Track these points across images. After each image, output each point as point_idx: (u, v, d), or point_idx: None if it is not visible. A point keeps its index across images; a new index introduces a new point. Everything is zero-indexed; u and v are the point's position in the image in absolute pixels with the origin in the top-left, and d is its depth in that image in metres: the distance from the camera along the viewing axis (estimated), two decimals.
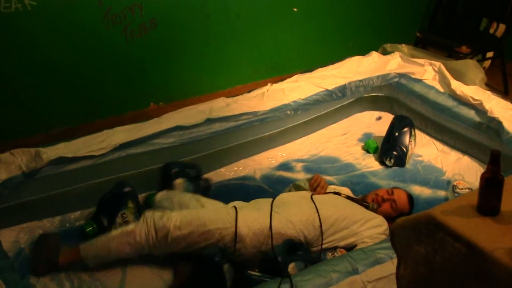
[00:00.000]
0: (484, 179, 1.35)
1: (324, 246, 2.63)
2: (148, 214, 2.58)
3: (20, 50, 3.16)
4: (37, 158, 2.88)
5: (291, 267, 2.38)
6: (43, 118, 3.44)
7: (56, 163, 2.92)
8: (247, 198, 3.17)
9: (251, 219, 2.59)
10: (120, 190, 2.92)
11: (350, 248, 2.66)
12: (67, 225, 3.01)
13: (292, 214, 2.62)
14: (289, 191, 3.10)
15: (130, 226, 2.56)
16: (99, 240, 2.56)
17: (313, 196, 2.79)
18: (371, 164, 3.66)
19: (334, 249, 2.65)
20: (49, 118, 3.45)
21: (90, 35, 3.34)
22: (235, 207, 2.66)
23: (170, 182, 3.05)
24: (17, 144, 3.01)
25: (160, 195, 2.92)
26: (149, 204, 3.08)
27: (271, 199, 2.78)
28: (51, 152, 2.92)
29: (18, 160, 2.85)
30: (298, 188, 3.07)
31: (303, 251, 2.52)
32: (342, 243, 2.66)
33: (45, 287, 2.56)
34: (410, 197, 2.99)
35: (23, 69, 3.23)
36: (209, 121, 3.33)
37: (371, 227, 2.70)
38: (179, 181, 3.05)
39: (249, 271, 2.44)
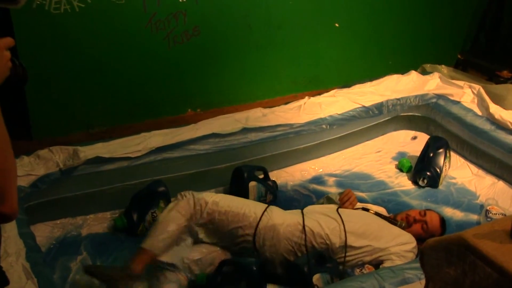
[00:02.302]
0: None
1: (349, 258, 2.63)
2: (186, 192, 2.69)
3: (65, 50, 3.23)
4: (75, 156, 2.94)
5: (316, 278, 2.39)
6: (83, 117, 3.49)
7: (92, 162, 2.97)
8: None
9: (284, 214, 2.72)
10: (154, 189, 2.99)
11: (377, 264, 2.65)
12: (99, 223, 3.07)
13: (321, 220, 2.67)
14: (322, 203, 3.12)
15: (172, 204, 2.65)
16: (155, 230, 2.57)
17: (339, 210, 2.80)
18: (403, 183, 3.64)
19: (362, 265, 2.65)
20: (89, 117, 3.51)
21: (133, 39, 3.39)
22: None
23: (244, 185, 3.15)
24: (57, 141, 3.07)
25: None
26: None
27: (299, 210, 2.81)
28: (88, 151, 2.98)
29: (56, 157, 2.92)
30: (330, 200, 3.08)
31: (331, 264, 2.52)
32: (368, 258, 2.66)
33: (75, 284, 2.62)
34: (443, 220, 2.96)
35: (66, 69, 3.29)
36: (245, 130, 3.36)
37: (399, 244, 2.69)
38: (252, 184, 3.17)
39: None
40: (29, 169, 2.82)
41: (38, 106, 3.31)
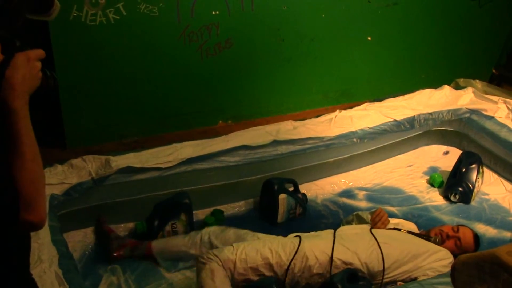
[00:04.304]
0: None
1: (387, 280, 2.60)
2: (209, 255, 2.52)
3: (100, 61, 3.28)
4: (107, 165, 2.98)
5: None
6: (115, 127, 3.54)
7: (124, 171, 3.00)
8: (306, 222, 3.19)
9: (317, 249, 2.58)
10: (178, 200, 3.00)
11: (411, 280, 2.61)
12: (129, 232, 3.09)
13: (357, 247, 2.60)
14: (352, 220, 3.09)
15: (207, 271, 2.45)
16: None
17: (373, 230, 2.76)
18: (435, 198, 3.60)
19: (394, 282, 2.61)
20: (121, 128, 3.55)
21: (166, 50, 3.43)
22: (299, 237, 2.66)
23: (274, 197, 3.14)
24: (90, 150, 3.12)
25: (213, 231, 2.89)
26: (207, 224, 3.13)
27: (332, 230, 2.77)
28: (120, 161, 3.02)
29: (88, 166, 2.96)
30: (360, 219, 3.05)
31: (364, 282, 2.49)
32: (404, 276, 2.62)
33: None
34: (476, 237, 2.91)
35: (100, 80, 3.34)
36: (276, 142, 3.36)
37: (436, 260, 2.65)
38: (282, 196, 3.16)
39: None
40: (63, 177, 2.86)
41: (72, 116, 3.37)
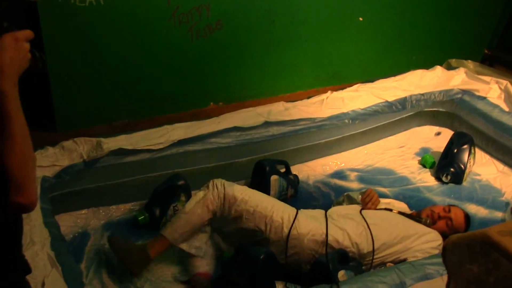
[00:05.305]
0: None
1: (376, 261, 2.61)
2: (218, 181, 2.66)
3: (90, 44, 3.24)
4: (98, 147, 2.97)
5: (341, 274, 2.37)
6: (106, 110, 3.52)
7: (115, 154, 3.00)
8: (298, 203, 3.20)
9: (310, 221, 2.61)
10: (174, 182, 3.00)
11: (400, 262, 2.62)
12: (121, 215, 3.10)
13: (347, 228, 2.62)
14: (343, 200, 3.10)
15: (201, 194, 2.63)
16: (179, 220, 2.60)
17: (363, 211, 2.77)
18: (426, 179, 3.61)
19: (384, 264, 2.63)
20: (112, 110, 3.53)
21: (156, 32, 3.40)
22: (295, 208, 2.70)
23: (265, 179, 3.15)
24: (81, 133, 3.09)
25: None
26: None
27: (323, 210, 2.78)
28: (111, 143, 3.01)
29: (80, 149, 2.95)
30: (350, 199, 3.06)
31: (355, 263, 2.50)
32: (393, 257, 2.63)
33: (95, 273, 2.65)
34: (467, 217, 2.92)
35: (90, 62, 3.31)
36: (267, 124, 3.36)
37: (425, 242, 2.66)
38: (274, 178, 3.17)
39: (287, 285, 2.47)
40: (54, 159, 2.85)
41: (63, 99, 3.34)
